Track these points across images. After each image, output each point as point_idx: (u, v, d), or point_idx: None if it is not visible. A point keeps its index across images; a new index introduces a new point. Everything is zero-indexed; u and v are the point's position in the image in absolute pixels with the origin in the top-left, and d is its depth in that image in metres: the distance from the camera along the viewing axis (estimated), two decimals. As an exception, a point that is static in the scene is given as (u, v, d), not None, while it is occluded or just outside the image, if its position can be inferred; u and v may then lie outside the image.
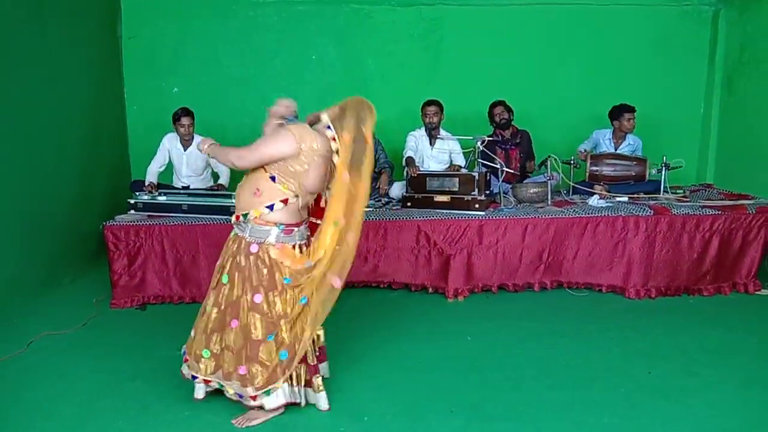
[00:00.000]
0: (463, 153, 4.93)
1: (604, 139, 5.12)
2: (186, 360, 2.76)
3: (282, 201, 2.54)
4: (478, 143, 4.44)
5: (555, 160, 4.62)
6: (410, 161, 4.69)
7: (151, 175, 4.72)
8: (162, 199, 4.33)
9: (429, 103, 4.86)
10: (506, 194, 4.62)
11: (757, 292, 4.26)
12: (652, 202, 4.41)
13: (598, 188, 4.65)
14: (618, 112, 4.96)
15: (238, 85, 5.96)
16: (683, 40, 5.99)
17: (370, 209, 4.37)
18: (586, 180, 4.84)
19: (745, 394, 2.88)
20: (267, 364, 2.57)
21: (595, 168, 4.81)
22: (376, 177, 4.90)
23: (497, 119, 5.10)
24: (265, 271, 2.55)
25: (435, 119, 4.83)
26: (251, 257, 2.55)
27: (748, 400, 2.82)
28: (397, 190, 4.72)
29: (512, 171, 4.79)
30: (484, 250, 4.26)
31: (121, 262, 4.10)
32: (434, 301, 4.21)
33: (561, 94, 5.89)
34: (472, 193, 4.28)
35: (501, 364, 3.23)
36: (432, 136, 4.92)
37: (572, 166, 4.83)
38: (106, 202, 5.18)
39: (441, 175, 4.43)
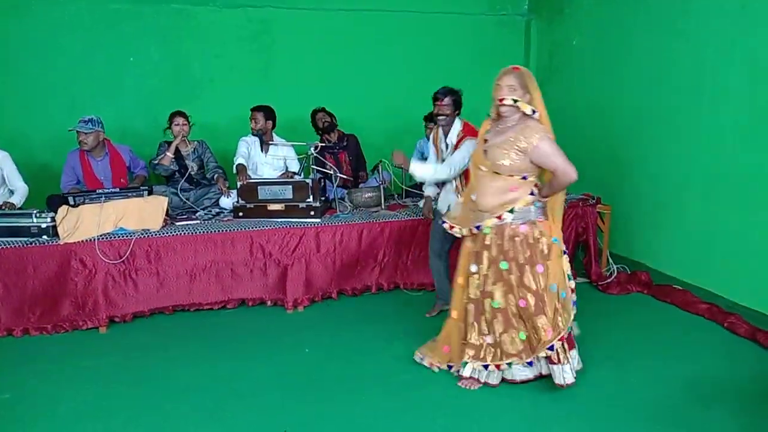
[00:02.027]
0: (298, 159, 4.83)
1: (428, 146, 5.28)
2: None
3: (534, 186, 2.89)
4: (312, 149, 4.37)
5: (386, 163, 4.68)
6: (241, 168, 4.49)
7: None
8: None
9: (255, 109, 4.69)
10: (342, 200, 4.60)
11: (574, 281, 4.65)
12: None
13: (428, 190, 4.78)
14: (429, 118, 5.15)
15: (42, 91, 5.33)
16: (501, 48, 6.41)
17: (197, 221, 4.12)
18: (418, 183, 4.96)
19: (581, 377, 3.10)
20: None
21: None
22: (205, 183, 4.65)
23: (320, 123, 5.09)
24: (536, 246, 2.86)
25: (261, 126, 4.66)
26: (517, 238, 2.84)
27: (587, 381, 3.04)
28: (228, 200, 4.49)
29: (345, 176, 4.79)
30: (322, 257, 4.20)
31: None
32: (273, 315, 4.07)
33: (389, 99, 6.02)
34: (307, 200, 4.19)
35: (339, 375, 3.18)
36: (264, 142, 4.76)
37: (403, 170, 4.92)
38: None
39: (273, 183, 4.28)
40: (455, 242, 3.53)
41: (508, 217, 2.85)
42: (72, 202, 3.90)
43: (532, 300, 2.83)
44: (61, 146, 5.03)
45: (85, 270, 3.78)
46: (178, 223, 4.05)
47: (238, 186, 4.25)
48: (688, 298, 4.05)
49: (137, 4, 5.48)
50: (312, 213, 4.18)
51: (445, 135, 3.72)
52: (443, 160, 3.71)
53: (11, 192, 4.25)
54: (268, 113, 4.68)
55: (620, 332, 3.67)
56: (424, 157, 5.18)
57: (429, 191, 4.04)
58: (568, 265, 3.00)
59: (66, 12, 5.34)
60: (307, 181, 4.19)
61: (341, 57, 5.99)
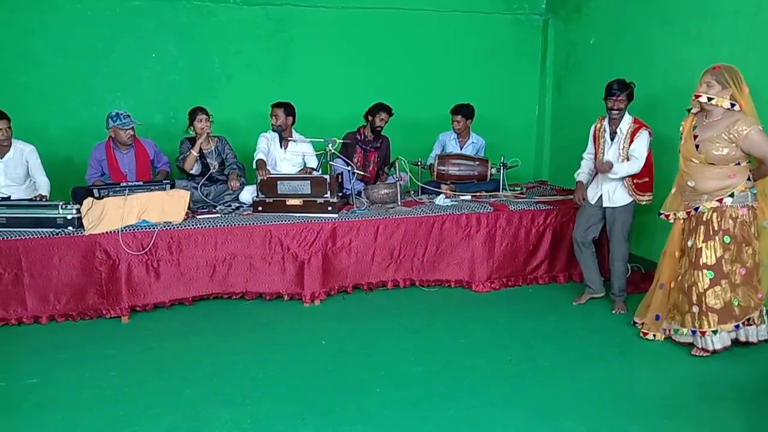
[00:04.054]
0: (316, 155, 4.90)
1: (449, 140, 5.36)
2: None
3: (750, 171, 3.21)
4: (329, 146, 4.44)
5: (404, 161, 4.77)
6: (261, 164, 4.56)
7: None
8: (-25, 212, 3.84)
9: (276, 105, 4.76)
10: (359, 195, 4.67)
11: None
12: (492, 200, 4.69)
13: (444, 188, 4.85)
14: (451, 112, 5.22)
15: (63, 84, 5.43)
16: (517, 47, 6.43)
17: (218, 215, 4.21)
18: (434, 179, 5.04)
19: (577, 374, 3.14)
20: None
21: (442, 168, 5.01)
22: (224, 179, 4.73)
23: (377, 122, 5.04)
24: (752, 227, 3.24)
25: (281, 122, 4.73)
26: (739, 219, 3.19)
27: (579, 380, 3.08)
28: (248, 194, 4.57)
29: (365, 173, 4.85)
30: (338, 252, 4.27)
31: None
32: (290, 308, 4.15)
33: (406, 97, 6.06)
34: (325, 195, 4.26)
35: (354, 366, 3.26)
36: (283, 138, 4.83)
37: (419, 167, 5.00)
38: None
39: (292, 178, 4.35)
40: (601, 232, 4.09)
41: (728, 201, 3.19)
42: (96, 195, 4.00)
43: (743, 271, 3.23)
44: (82, 140, 5.16)
45: (108, 260, 3.88)
46: (199, 217, 4.14)
47: (258, 181, 4.33)
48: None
49: (157, 0, 5.57)
50: (329, 208, 4.25)
51: (614, 127, 3.90)
52: (602, 152, 3.93)
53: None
54: (289, 109, 4.76)
55: (631, 329, 3.71)
56: (444, 151, 5.27)
57: (583, 177, 4.19)
58: None
59: (87, 7, 5.42)
60: (326, 176, 4.26)
61: (358, 54, 6.04)
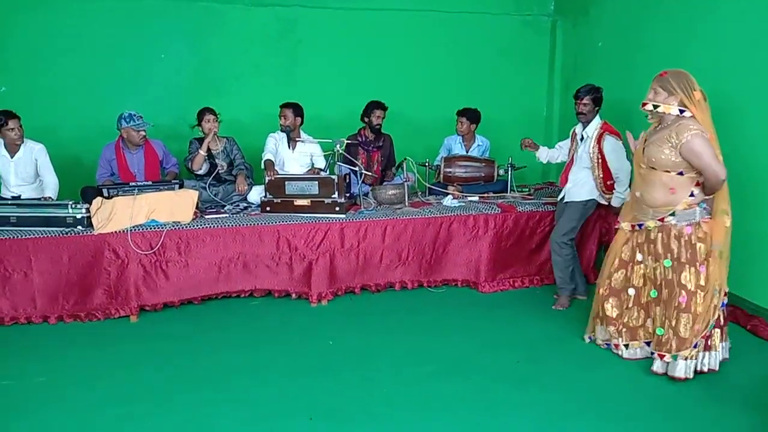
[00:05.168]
0: (324, 156, 4.91)
1: (455, 144, 5.35)
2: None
3: (696, 185, 3.00)
4: (337, 146, 4.45)
5: (411, 162, 4.78)
6: (269, 164, 4.58)
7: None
8: (-15, 211, 3.87)
9: (285, 105, 4.78)
10: (366, 196, 4.67)
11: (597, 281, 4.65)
12: (499, 201, 4.68)
13: (451, 189, 4.85)
14: (457, 114, 5.22)
15: (74, 84, 5.47)
16: (526, 49, 6.42)
17: (226, 215, 4.23)
18: (441, 181, 5.04)
19: (584, 376, 3.14)
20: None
21: (448, 170, 5.01)
22: (232, 180, 4.75)
23: (374, 120, 5.05)
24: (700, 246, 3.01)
25: (290, 122, 4.75)
26: (683, 239, 3.01)
27: (586, 381, 3.07)
28: (256, 194, 4.59)
29: (372, 174, 4.86)
30: (346, 252, 4.27)
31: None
32: (297, 308, 4.15)
33: (414, 98, 6.07)
34: (333, 196, 4.27)
35: (361, 366, 3.26)
36: (291, 139, 4.84)
37: (427, 168, 5.01)
38: None
39: (300, 179, 4.37)
40: (582, 234, 4.18)
41: (671, 220, 3.04)
42: (106, 194, 4.03)
43: (686, 298, 3.01)
44: (91, 139, 5.18)
45: (117, 260, 3.90)
46: (207, 217, 4.15)
47: (266, 181, 4.34)
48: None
49: (166, 1, 5.60)
50: (337, 209, 4.26)
51: (583, 128, 4.03)
52: (574, 153, 4.15)
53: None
54: (298, 110, 4.77)
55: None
56: (451, 154, 5.26)
57: (542, 150, 4.37)
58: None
59: (97, 7, 5.47)
60: (333, 177, 4.27)
61: (366, 55, 6.05)
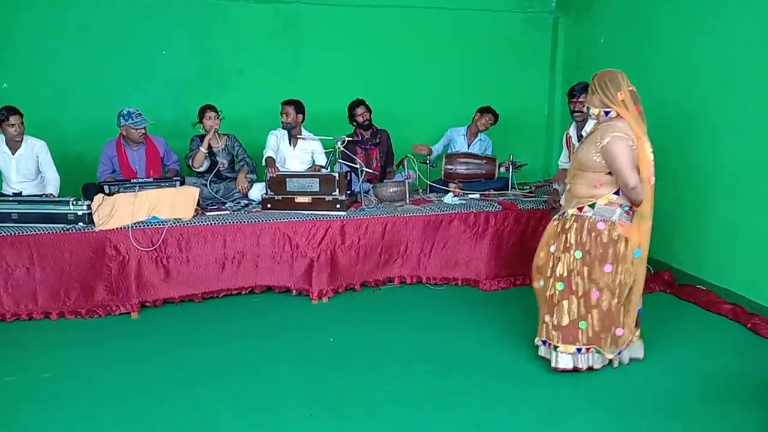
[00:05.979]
0: (325, 153, 4.91)
1: (458, 135, 5.36)
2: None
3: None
4: (338, 143, 4.46)
5: (412, 159, 4.78)
6: (270, 161, 4.59)
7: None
8: (-14, 208, 3.88)
9: (286, 102, 4.78)
10: (367, 193, 4.68)
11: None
12: (500, 198, 4.67)
13: (452, 186, 4.85)
14: (481, 110, 5.24)
15: (76, 81, 5.49)
16: (528, 45, 6.41)
17: (227, 212, 4.23)
18: (442, 178, 5.04)
19: (585, 373, 3.11)
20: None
21: (449, 167, 5.01)
22: (233, 177, 4.75)
23: (359, 119, 5.11)
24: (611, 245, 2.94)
25: (292, 119, 4.75)
26: (593, 233, 2.95)
27: (587, 378, 3.06)
28: (257, 191, 4.59)
29: (372, 171, 4.87)
30: (347, 249, 4.28)
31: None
32: (298, 305, 4.16)
33: (418, 95, 6.07)
34: (333, 193, 4.27)
35: (361, 363, 3.27)
36: (292, 136, 4.85)
37: (428, 165, 5.01)
38: None
39: (301, 176, 4.37)
40: None
41: (588, 212, 2.98)
42: (107, 191, 4.03)
43: (595, 294, 2.98)
44: (93, 136, 5.19)
45: (118, 257, 3.91)
46: (208, 213, 4.16)
47: (267, 178, 4.35)
48: (711, 298, 4.04)
49: (170, -4, 5.61)
50: (338, 206, 4.26)
51: (580, 130, 3.93)
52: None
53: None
54: (299, 107, 4.78)
55: (641, 327, 3.68)
56: (450, 146, 5.29)
57: (558, 186, 4.28)
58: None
59: (99, 3, 5.48)
60: (334, 174, 4.27)
61: (368, 52, 6.05)
